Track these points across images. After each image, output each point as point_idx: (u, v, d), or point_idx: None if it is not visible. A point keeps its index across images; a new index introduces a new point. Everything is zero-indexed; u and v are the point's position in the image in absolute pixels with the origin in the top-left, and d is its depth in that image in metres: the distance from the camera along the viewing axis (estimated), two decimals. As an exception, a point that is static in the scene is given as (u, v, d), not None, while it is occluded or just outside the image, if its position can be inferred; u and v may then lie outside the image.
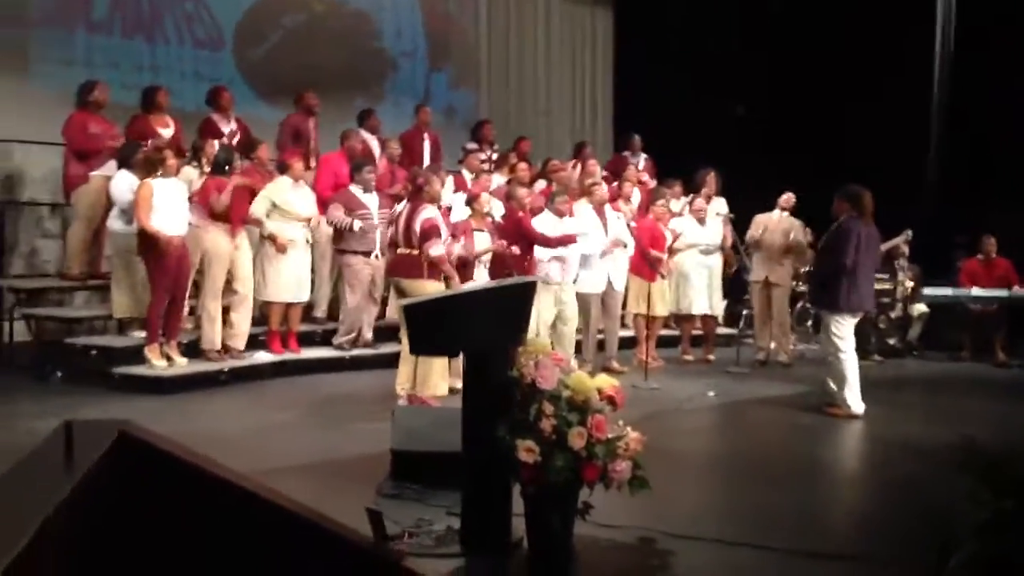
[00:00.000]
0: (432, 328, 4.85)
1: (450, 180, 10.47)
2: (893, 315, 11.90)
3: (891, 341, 11.88)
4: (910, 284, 12.03)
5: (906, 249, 11.92)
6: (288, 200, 9.17)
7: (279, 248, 9.05)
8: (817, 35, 13.49)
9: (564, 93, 15.67)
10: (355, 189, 9.34)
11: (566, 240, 9.14)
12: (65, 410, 7.14)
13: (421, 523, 4.96)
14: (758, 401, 8.94)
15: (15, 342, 9.16)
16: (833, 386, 8.26)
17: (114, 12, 11.13)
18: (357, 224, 9.19)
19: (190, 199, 8.63)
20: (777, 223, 10.92)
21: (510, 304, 4.97)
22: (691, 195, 11.65)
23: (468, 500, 4.75)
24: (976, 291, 11.97)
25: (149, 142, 9.08)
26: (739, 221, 11.44)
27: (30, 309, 9.21)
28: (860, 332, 10.97)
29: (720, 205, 11.70)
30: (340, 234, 9.38)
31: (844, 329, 8.19)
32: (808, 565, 4.76)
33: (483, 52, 14.82)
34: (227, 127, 10.16)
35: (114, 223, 8.72)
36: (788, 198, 11.05)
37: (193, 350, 8.82)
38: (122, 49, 11.18)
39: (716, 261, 11.35)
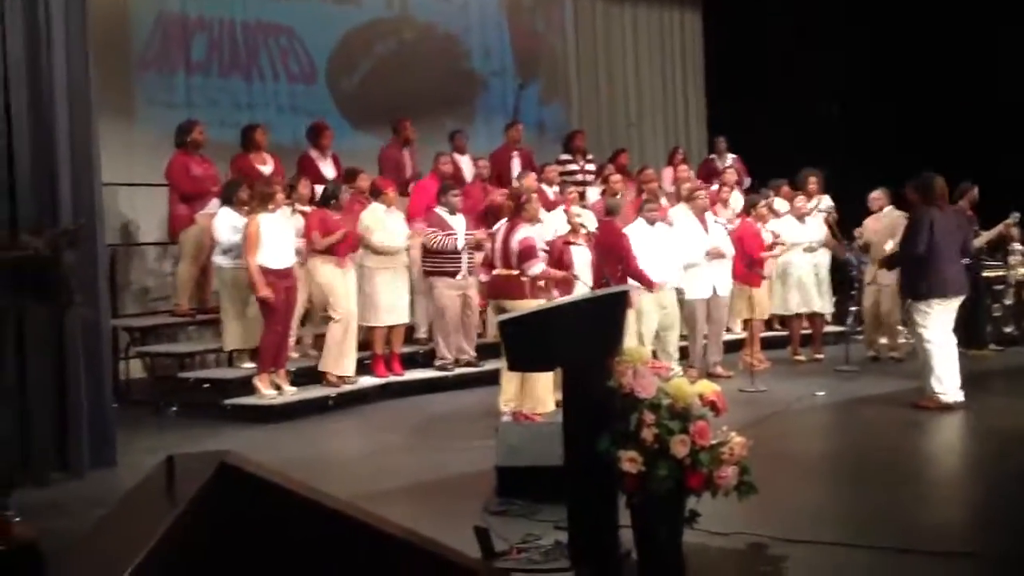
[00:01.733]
0: (528, 343, 4.87)
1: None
2: (1007, 302, 11.50)
3: (1007, 329, 11.47)
4: (1023, 270, 11.62)
5: (1016, 232, 11.50)
6: (383, 226, 9.29)
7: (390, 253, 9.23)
8: (914, 25, 13.21)
9: (656, 100, 15.55)
10: (441, 211, 9.41)
11: (649, 282, 8.96)
12: (181, 443, 7.36)
13: (529, 538, 4.98)
14: (868, 399, 8.73)
15: (131, 379, 9.45)
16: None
17: (211, 52, 11.45)
18: (460, 242, 9.27)
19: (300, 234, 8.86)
20: (877, 221, 10.68)
21: (605, 315, 4.96)
22: (796, 195, 11.47)
23: (574, 514, 4.75)
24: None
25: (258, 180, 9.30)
26: (848, 221, 11.25)
27: (144, 347, 9.50)
28: (975, 321, 10.78)
29: (825, 203, 11.50)
30: (427, 256, 9.45)
31: (929, 317, 8.03)
32: (926, 563, 4.65)
33: (572, 66, 14.82)
34: (325, 164, 10.34)
35: (219, 259, 8.94)
36: (876, 197, 10.80)
37: (302, 378, 8.99)
38: (220, 88, 11.49)
39: (822, 258, 11.15)
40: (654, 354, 8.64)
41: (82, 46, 6.92)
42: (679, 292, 9.54)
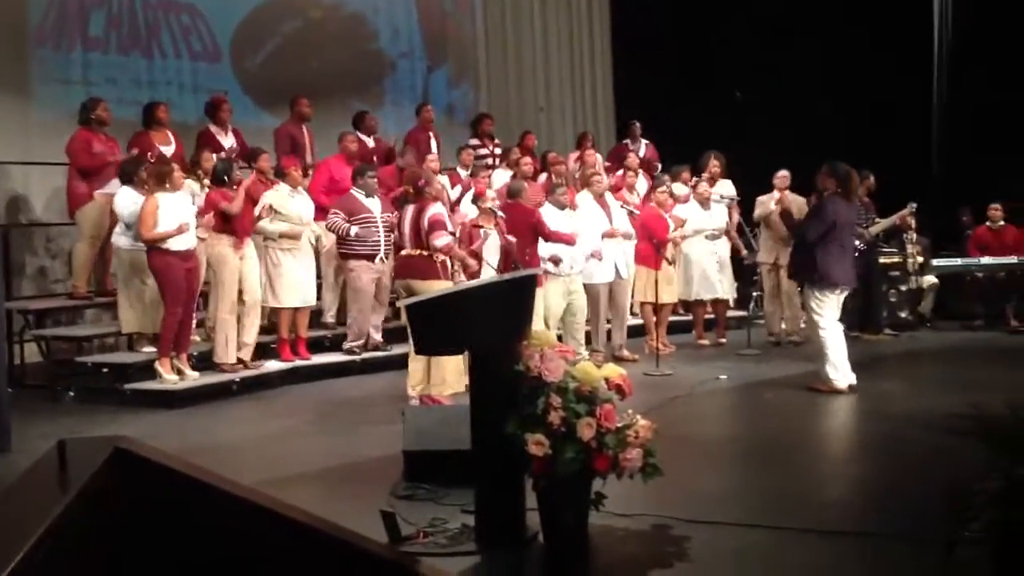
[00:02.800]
0: (435, 326, 4.86)
1: (446, 179, 10.45)
2: (903, 288, 11.82)
3: (903, 314, 11.79)
4: (918, 257, 11.96)
5: (912, 221, 11.83)
6: (287, 207, 9.15)
7: (293, 236, 9.11)
8: (813, 11, 13.45)
9: (564, 85, 15.57)
10: (356, 193, 9.26)
11: (571, 239, 9.11)
12: (79, 428, 7.21)
13: (435, 522, 4.96)
14: (770, 382, 8.89)
15: (27, 363, 9.17)
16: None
17: (110, 29, 11.10)
18: (354, 229, 9.08)
19: (197, 213, 8.63)
20: (781, 203, 10.84)
21: (513, 298, 4.95)
22: (695, 180, 11.55)
23: (481, 497, 4.75)
24: (986, 260, 11.95)
25: (149, 154, 9.12)
26: (747, 204, 11.41)
27: (40, 330, 9.23)
28: (871, 307, 11.09)
29: (725, 188, 11.62)
30: (343, 239, 9.30)
31: (824, 306, 8.22)
32: (824, 543, 4.75)
33: (481, 48, 14.75)
34: (225, 139, 10.14)
35: (119, 240, 8.73)
36: (783, 177, 10.95)
37: (203, 362, 8.82)
38: (120, 65, 11.15)
39: (723, 245, 11.27)
40: (560, 338, 8.69)
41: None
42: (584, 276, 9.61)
